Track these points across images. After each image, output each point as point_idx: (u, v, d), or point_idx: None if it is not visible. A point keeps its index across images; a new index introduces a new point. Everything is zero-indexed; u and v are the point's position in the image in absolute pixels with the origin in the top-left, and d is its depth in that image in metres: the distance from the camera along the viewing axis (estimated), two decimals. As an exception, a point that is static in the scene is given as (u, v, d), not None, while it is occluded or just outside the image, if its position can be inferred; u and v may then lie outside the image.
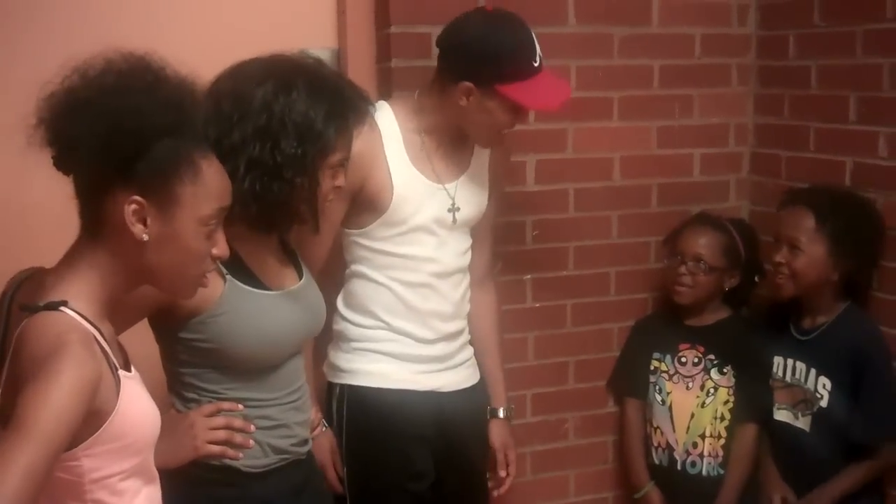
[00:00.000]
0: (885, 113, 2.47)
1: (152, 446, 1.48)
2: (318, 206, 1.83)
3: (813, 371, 2.48)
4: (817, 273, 2.44)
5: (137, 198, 1.39)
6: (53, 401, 1.24)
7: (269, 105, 1.73)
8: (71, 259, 1.44)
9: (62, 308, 1.37)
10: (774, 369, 2.58)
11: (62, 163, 1.41)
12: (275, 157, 1.73)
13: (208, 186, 1.45)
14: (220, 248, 1.51)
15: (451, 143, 2.21)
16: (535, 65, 2.08)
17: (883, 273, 2.50)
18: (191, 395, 1.82)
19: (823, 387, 2.44)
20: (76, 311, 1.37)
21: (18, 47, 2.21)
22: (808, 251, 2.43)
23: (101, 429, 1.35)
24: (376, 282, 2.19)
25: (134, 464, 1.43)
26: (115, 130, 1.36)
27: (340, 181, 1.85)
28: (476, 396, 2.35)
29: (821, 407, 2.45)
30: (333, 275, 2.22)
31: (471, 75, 2.06)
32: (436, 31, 2.19)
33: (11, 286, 1.55)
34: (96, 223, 1.42)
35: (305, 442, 1.95)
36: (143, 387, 1.47)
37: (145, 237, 1.41)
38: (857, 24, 2.54)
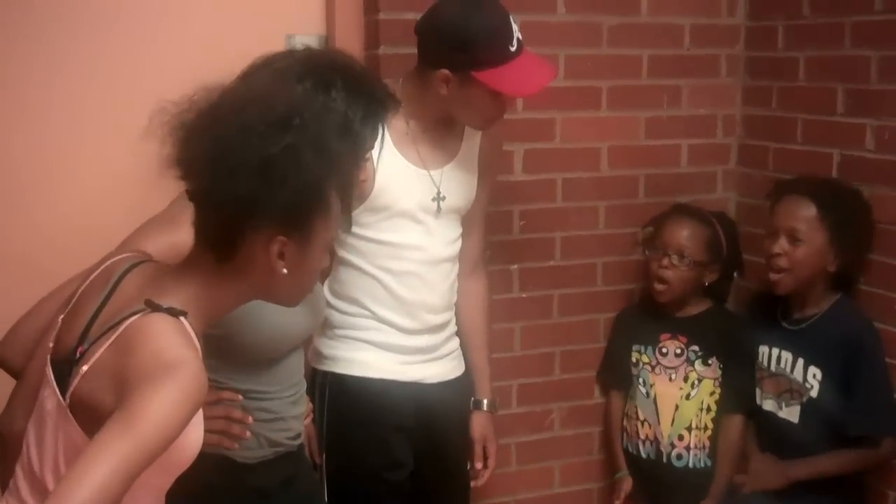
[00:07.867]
0: (873, 105, 2.48)
1: (179, 472, 1.46)
2: (351, 203, 1.85)
3: (801, 361, 2.47)
4: (817, 264, 2.43)
5: (282, 238, 1.41)
6: (168, 409, 1.23)
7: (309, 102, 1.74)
8: (194, 270, 1.43)
9: (181, 318, 1.36)
10: (759, 358, 2.58)
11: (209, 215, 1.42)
12: None
13: (335, 213, 1.48)
14: (326, 259, 1.55)
15: (437, 128, 2.19)
16: (513, 49, 2.05)
17: (872, 267, 2.50)
18: None
19: (814, 377, 2.44)
20: (191, 326, 1.38)
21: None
22: (808, 241, 2.42)
23: None
24: (363, 271, 2.18)
25: (162, 482, 1.42)
26: (272, 187, 1.36)
27: (364, 175, 1.88)
28: (459, 388, 2.34)
29: (811, 397, 2.44)
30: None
31: (446, 62, 2.05)
32: (425, 18, 2.17)
33: (122, 265, 1.51)
34: (229, 252, 1.41)
35: (298, 435, 1.96)
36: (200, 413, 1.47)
37: (285, 271, 1.43)
38: (845, 16, 2.54)
